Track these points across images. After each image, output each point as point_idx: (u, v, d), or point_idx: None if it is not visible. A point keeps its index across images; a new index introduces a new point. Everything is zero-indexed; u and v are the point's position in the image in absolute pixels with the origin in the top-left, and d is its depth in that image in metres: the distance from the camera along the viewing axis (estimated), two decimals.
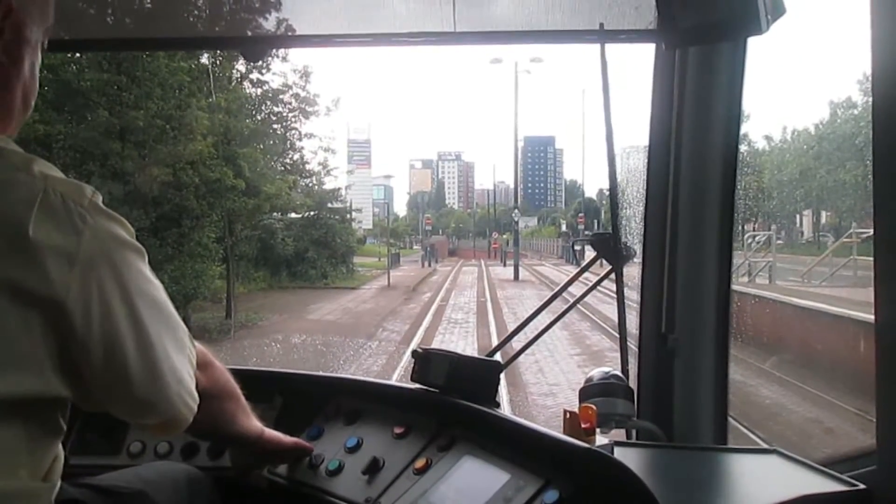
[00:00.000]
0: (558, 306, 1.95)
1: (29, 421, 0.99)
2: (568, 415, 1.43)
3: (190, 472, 1.56)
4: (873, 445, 1.22)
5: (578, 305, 2.00)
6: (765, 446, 1.62)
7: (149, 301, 1.05)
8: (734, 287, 1.83)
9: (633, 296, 1.87)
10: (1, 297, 0.92)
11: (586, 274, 2.00)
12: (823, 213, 23.74)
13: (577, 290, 1.99)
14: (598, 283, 1.88)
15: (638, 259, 1.89)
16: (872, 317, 1.17)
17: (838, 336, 8.13)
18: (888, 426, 1.17)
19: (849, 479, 1.30)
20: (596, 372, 1.75)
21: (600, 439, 1.44)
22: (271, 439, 1.55)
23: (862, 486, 1.26)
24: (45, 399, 0.99)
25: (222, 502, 1.58)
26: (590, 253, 1.93)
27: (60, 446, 1.10)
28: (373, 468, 1.58)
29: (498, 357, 1.80)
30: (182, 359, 1.11)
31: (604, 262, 1.86)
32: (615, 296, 1.83)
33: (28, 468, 1.02)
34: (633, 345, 1.89)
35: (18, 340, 0.94)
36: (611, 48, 1.76)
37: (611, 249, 1.82)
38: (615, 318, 1.83)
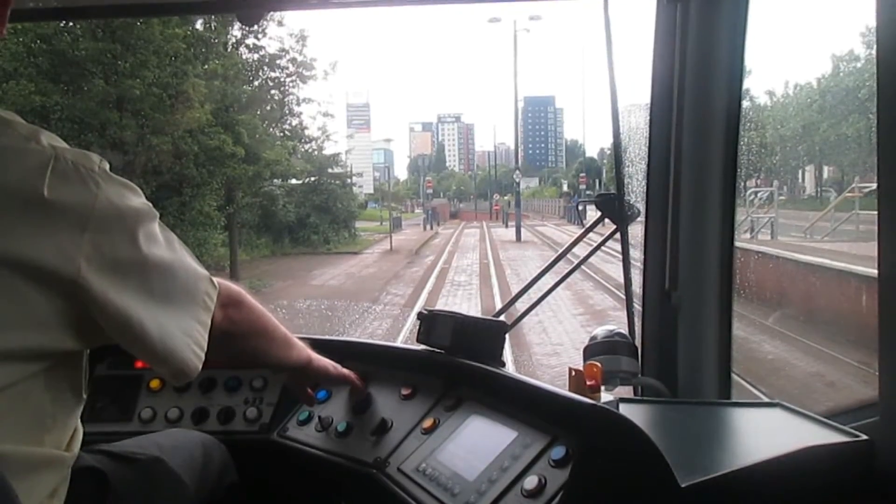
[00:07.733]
0: (562, 267, 1.95)
1: (50, 382, 1.02)
2: (573, 373, 1.44)
3: (204, 439, 1.58)
4: (875, 397, 1.23)
5: (582, 266, 2.00)
6: (767, 400, 1.63)
7: (161, 264, 1.07)
8: (737, 243, 1.83)
9: (635, 254, 1.87)
10: (15, 262, 0.93)
11: (589, 234, 2.00)
12: (826, 168, 23.55)
13: (580, 250, 2.00)
14: (603, 243, 1.89)
15: (641, 217, 1.88)
16: (874, 271, 1.17)
17: (840, 290, 8.14)
18: (890, 377, 1.18)
19: (851, 431, 1.31)
20: (600, 330, 1.75)
21: (605, 396, 1.45)
22: (318, 369, 1.58)
23: (864, 437, 1.27)
24: (59, 353, 1.02)
25: (235, 467, 1.61)
26: (592, 213, 1.93)
27: (79, 421, 1.13)
28: (381, 429, 1.60)
29: (502, 318, 1.81)
30: (194, 313, 1.13)
31: (607, 221, 1.85)
32: (618, 255, 1.83)
33: (52, 436, 1.05)
34: (636, 303, 1.90)
35: (32, 301, 0.95)
36: (612, 4, 1.74)
37: (616, 210, 1.81)
38: (618, 277, 1.84)
